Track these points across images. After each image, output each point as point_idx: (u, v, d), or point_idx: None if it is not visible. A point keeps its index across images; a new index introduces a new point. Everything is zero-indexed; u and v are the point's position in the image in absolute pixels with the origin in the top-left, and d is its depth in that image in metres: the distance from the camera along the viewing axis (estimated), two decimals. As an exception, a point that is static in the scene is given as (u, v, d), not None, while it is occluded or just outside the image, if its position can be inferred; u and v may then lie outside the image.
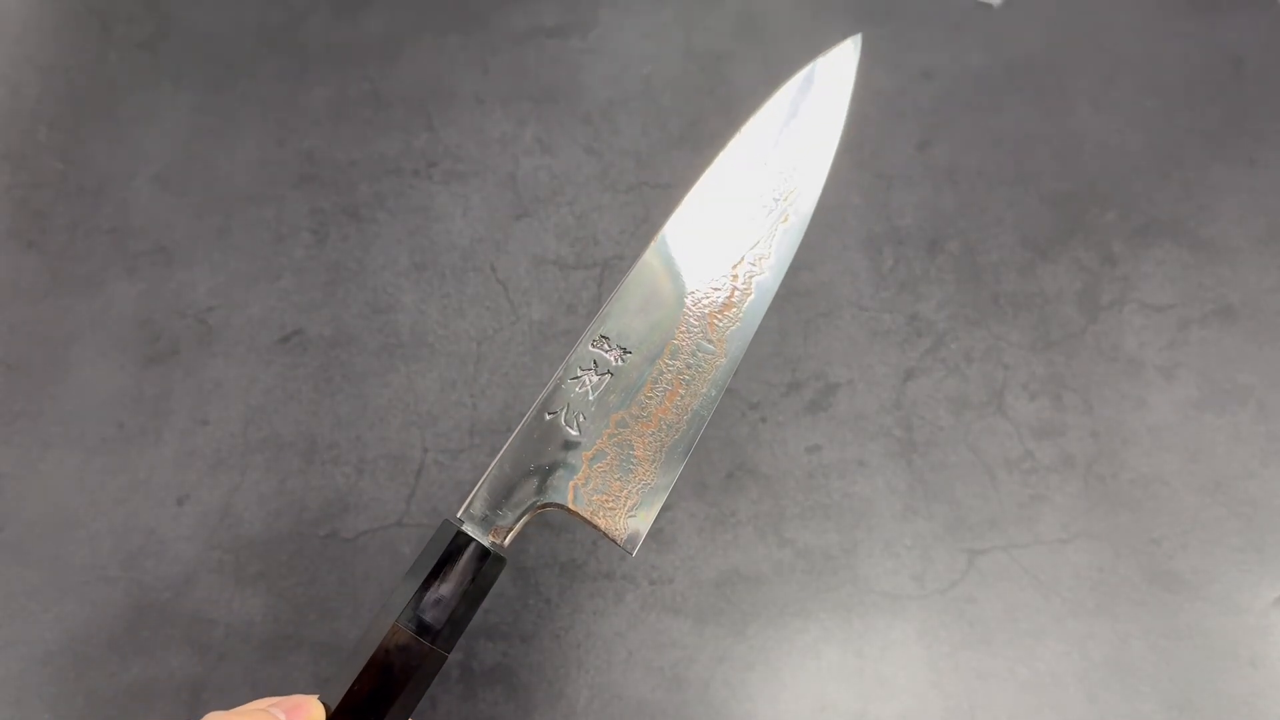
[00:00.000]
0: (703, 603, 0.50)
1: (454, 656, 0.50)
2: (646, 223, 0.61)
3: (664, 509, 0.53)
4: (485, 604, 0.51)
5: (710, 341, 0.36)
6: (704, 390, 0.36)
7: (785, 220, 0.38)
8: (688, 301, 0.37)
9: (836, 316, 0.57)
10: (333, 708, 0.30)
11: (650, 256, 0.37)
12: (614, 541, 0.34)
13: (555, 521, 0.53)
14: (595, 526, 0.34)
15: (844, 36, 0.63)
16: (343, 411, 0.56)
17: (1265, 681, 0.48)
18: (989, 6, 0.67)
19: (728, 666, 0.49)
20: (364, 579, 0.52)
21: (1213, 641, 0.49)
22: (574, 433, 0.34)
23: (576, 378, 0.35)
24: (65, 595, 0.52)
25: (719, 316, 0.37)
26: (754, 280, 0.37)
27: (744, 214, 0.38)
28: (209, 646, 0.50)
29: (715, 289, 0.37)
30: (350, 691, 0.29)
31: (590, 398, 0.35)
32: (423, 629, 0.31)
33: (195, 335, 0.59)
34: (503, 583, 0.51)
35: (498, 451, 0.54)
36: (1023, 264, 0.58)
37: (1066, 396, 0.55)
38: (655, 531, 0.52)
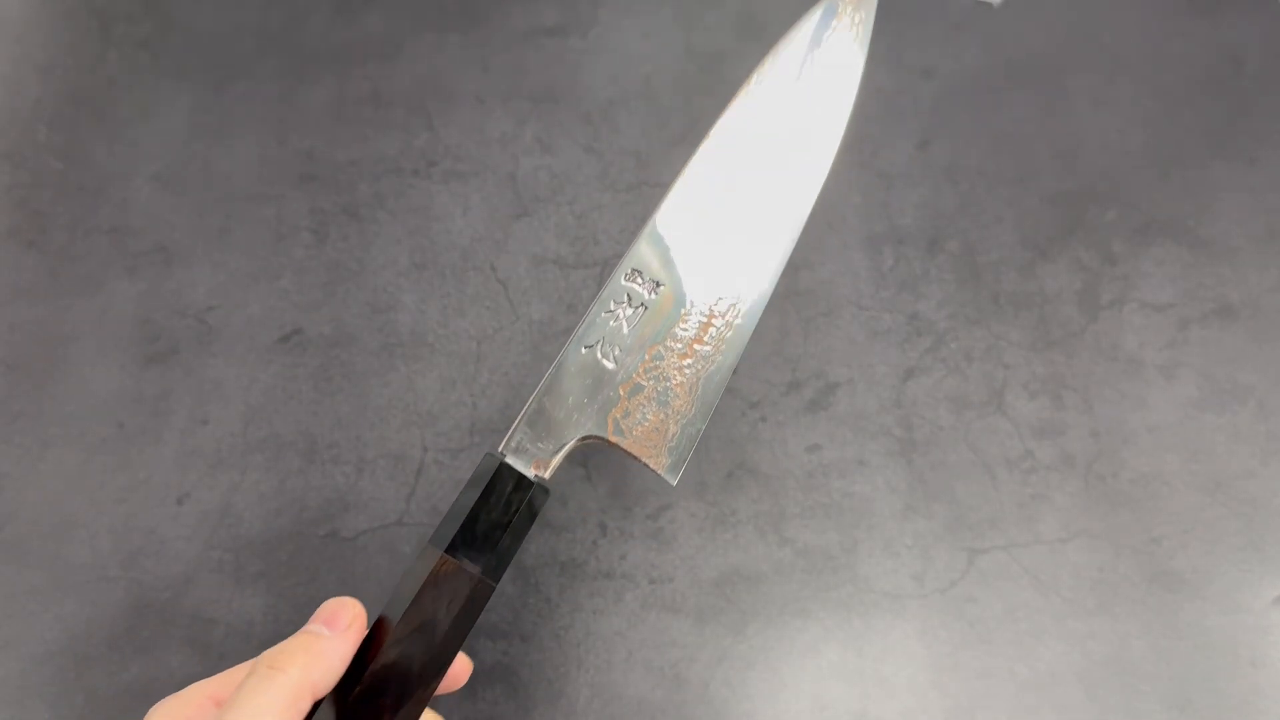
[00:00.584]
0: (702, 602, 0.50)
1: (454, 656, 0.50)
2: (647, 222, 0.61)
3: (663, 508, 0.53)
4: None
5: (741, 273, 0.36)
6: (737, 320, 0.36)
7: (809, 152, 0.38)
8: (718, 234, 0.37)
9: (836, 315, 0.57)
10: (383, 641, 0.29)
11: (677, 191, 0.37)
12: (655, 472, 0.34)
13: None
14: (635, 457, 0.34)
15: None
16: (342, 411, 0.56)
17: (1266, 681, 0.48)
18: (989, 6, 0.67)
19: (728, 666, 0.49)
20: (364, 578, 0.52)
21: (1213, 641, 0.49)
22: (610, 365, 0.35)
23: (610, 311, 0.35)
24: (65, 595, 0.52)
25: (749, 248, 0.37)
26: (782, 209, 0.37)
27: (767, 148, 0.38)
28: (209, 646, 0.50)
29: (744, 220, 0.37)
30: (401, 623, 0.29)
31: (625, 331, 0.35)
32: (470, 559, 0.31)
33: (195, 335, 0.59)
34: (503, 581, 0.51)
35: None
36: (1023, 263, 0.58)
37: (1067, 396, 0.55)
38: (655, 531, 0.52)
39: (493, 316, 0.58)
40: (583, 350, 0.35)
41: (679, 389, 0.35)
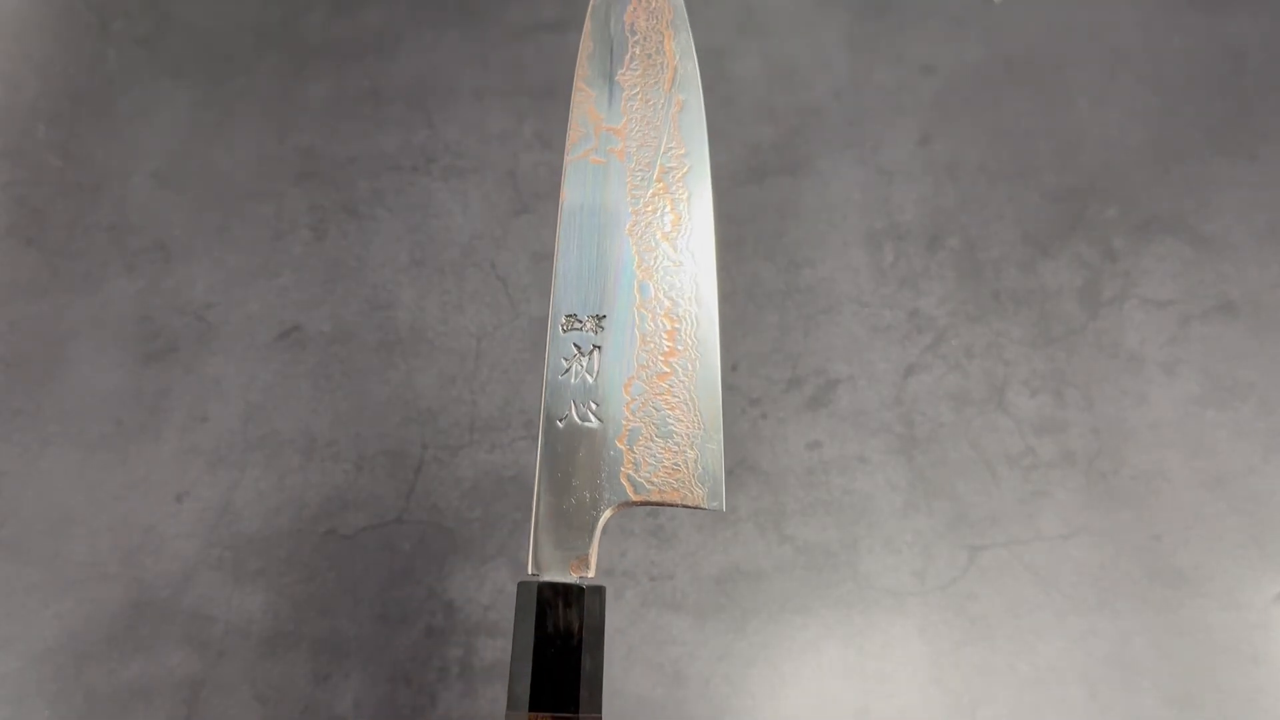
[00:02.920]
0: (703, 599, 0.50)
1: (454, 653, 0.50)
2: (646, 219, 0.61)
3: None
4: (485, 600, 0.51)
5: (674, 262, 0.32)
6: (694, 310, 0.32)
7: (679, 108, 0.34)
8: (629, 232, 0.33)
9: (837, 312, 0.57)
10: None
11: (567, 214, 0.33)
12: (698, 508, 0.30)
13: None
14: (670, 504, 0.30)
15: (844, 31, 0.63)
16: (342, 408, 0.56)
17: (1266, 677, 0.48)
18: (990, 1, 0.67)
19: (728, 663, 0.49)
20: (363, 576, 0.52)
21: (1214, 637, 0.49)
22: (595, 425, 0.31)
23: (566, 371, 0.32)
24: (64, 592, 0.52)
25: (670, 233, 0.33)
26: (683, 179, 0.33)
27: (636, 119, 0.34)
28: (208, 643, 0.50)
29: (649, 208, 0.33)
30: None
31: (591, 382, 0.31)
32: (561, 704, 0.27)
33: (194, 332, 0.58)
34: (503, 580, 0.51)
35: (497, 448, 0.54)
36: (1023, 260, 0.58)
37: (1067, 392, 0.55)
38: (655, 528, 0.52)
39: (492, 313, 0.58)
40: (559, 425, 0.31)
41: (676, 413, 0.31)
